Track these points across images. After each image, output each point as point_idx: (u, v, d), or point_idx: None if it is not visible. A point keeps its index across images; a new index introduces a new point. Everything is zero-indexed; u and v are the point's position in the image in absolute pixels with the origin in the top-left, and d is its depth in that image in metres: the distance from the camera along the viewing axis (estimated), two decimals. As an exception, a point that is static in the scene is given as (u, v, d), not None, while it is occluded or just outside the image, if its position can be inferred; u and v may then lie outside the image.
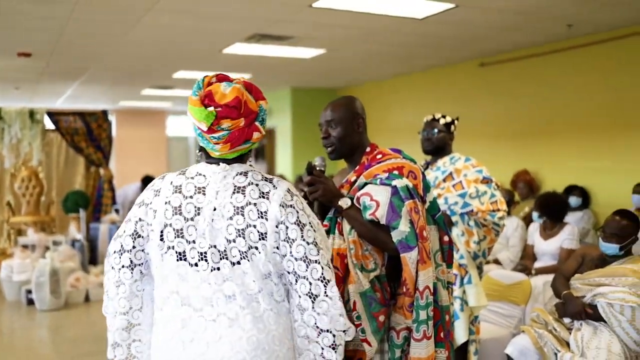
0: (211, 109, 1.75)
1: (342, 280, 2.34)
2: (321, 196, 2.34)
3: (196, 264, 1.76)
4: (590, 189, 6.77)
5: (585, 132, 6.89)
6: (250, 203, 1.75)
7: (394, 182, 2.28)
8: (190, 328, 1.75)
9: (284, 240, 1.74)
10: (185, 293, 1.76)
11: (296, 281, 1.77)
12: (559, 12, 5.88)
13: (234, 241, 1.73)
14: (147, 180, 8.88)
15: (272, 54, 7.81)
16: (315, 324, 1.77)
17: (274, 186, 1.79)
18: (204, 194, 1.77)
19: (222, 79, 1.83)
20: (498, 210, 3.46)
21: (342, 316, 1.79)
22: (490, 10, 5.71)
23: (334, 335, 1.77)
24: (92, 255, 8.29)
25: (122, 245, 1.83)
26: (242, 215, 1.74)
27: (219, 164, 1.82)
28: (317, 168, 2.42)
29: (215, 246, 1.74)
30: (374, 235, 2.27)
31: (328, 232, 2.35)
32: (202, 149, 1.86)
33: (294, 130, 11.62)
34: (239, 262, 1.74)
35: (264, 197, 1.76)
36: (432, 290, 2.26)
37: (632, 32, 6.26)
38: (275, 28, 6.40)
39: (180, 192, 1.78)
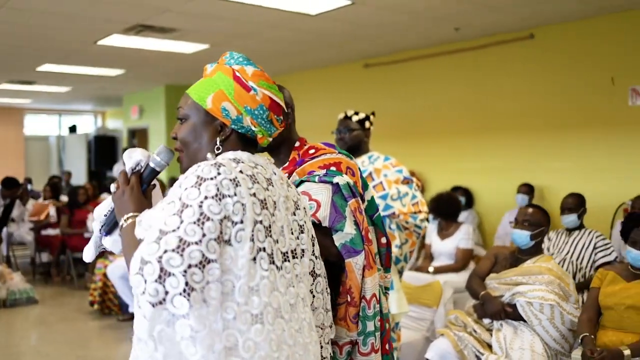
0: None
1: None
2: None
3: (280, 267, 1.47)
4: (474, 189, 6.95)
5: (469, 134, 7.07)
6: (298, 197, 1.64)
7: (335, 179, 2.04)
8: (285, 344, 1.45)
9: (313, 237, 1.66)
10: (277, 304, 1.43)
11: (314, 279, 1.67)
12: (447, 15, 5.97)
13: (298, 238, 1.58)
14: (7, 182, 7.99)
15: (152, 47, 7.34)
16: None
17: None
18: (273, 186, 1.51)
19: None
20: (420, 212, 3.33)
21: None
22: (385, 8, 5.67)
23: None
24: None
25: (204, 255, 1.28)
26: (299, 209, 1.61)
27: (255, 154, 1.60)
28: None
29: (289, 244, 1.54)
30: None
31: None
32: (222, 141, 1.55)
33: (168, 131, 11.08)
34: (302, 259, 1.58)
35: (297, 192, 1.68)
36: (378, 298, 2.05)
37: (517, 37, 6.49)
38: (159, 19, 5.97)
39: (258, 183, 1.45)
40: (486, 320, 3.40)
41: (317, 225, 1.99)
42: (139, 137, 12.69)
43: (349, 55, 8.12)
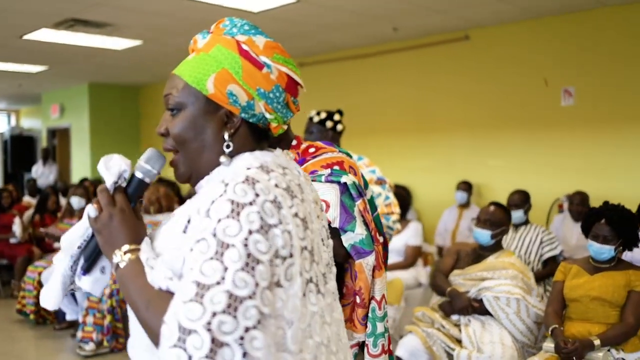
0: None
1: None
2: None
3: (324, 293, 1.20)
4: (412, 187, 7.07)
5: (406, 132, 7.18)
6: (317, 195, 1.34)
7: (342, 179, 1.98)
8: None
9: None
10: (327, 339, 1.18)
11: None
12: (387, 15, 6.02)
13: (328, 246, 1.29)
14: None
15: (80, 43, 7.02)
16: None
17: None
18: (304, 192, 1.20)
19: None
20: (392, 213, 3.31)
21: None
22: (329, 7, 5.66)
23: None
24: None
25: (260, 312, 1.01)
26: (322, 210, 1.32)
27: (275, 149, 1.30)
28: None
29: (324, 259, 1.26)
30: None
31: None
32: (231, 135, 1.21)
33: (92, 130, 10.67)
34: (332, 268, 1.30)
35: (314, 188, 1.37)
36: (387, 300, 2.03)
37: (453, 38, 6.64)
38: (94, 13, 5.72)
39: (295, 196, 1.15)
40: (454, 317, 3.45)
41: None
42: (59, 137, 12.13)
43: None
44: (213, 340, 0.95)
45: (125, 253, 1.14)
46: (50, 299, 1.26)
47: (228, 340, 0.96)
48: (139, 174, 1.23)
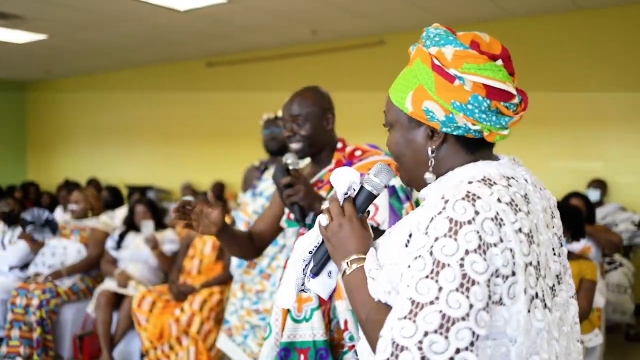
0: (499, 62, 1.16)
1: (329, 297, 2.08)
2: (302, 199, 1.98)
3: (551, 308, 1.14)
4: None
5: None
6: (549, 197, 1.25)
7: (391, 182, 2.06)
8: None
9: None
10: (555, 355, 1.13)
11: None
12: (309, 18, 6.12)
13: (560, 255, 1.21)
14: None
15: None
16: None
17: None
18: (530, 202, 1.16)
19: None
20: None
21: None
22: (257, 8, 5.67)
23: None
24: None
25: (474, 333, 0.99)
26: (554, 217, 1.24)
27: (498, 158, 1.23)
28: (291, 167, 2.06)
29: (554, 270, 1.20)
30: None
31: None
32: (436, 149, 1.20)
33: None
34: (565, 277, 1.23)
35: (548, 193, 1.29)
36: None
37: (368, 42, 6.86)
38: (4, 5, 5.36)
39: (520, 210, 1.10)
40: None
41: (374, 229, 1.99)
42: None
43: (192, 53, 7.92)
44: (423, 358, 0.97)
45: (351, 262, 1.19)
46: (285, 299, 1.33)
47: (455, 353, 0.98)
48: (368, 187, 1.27)
